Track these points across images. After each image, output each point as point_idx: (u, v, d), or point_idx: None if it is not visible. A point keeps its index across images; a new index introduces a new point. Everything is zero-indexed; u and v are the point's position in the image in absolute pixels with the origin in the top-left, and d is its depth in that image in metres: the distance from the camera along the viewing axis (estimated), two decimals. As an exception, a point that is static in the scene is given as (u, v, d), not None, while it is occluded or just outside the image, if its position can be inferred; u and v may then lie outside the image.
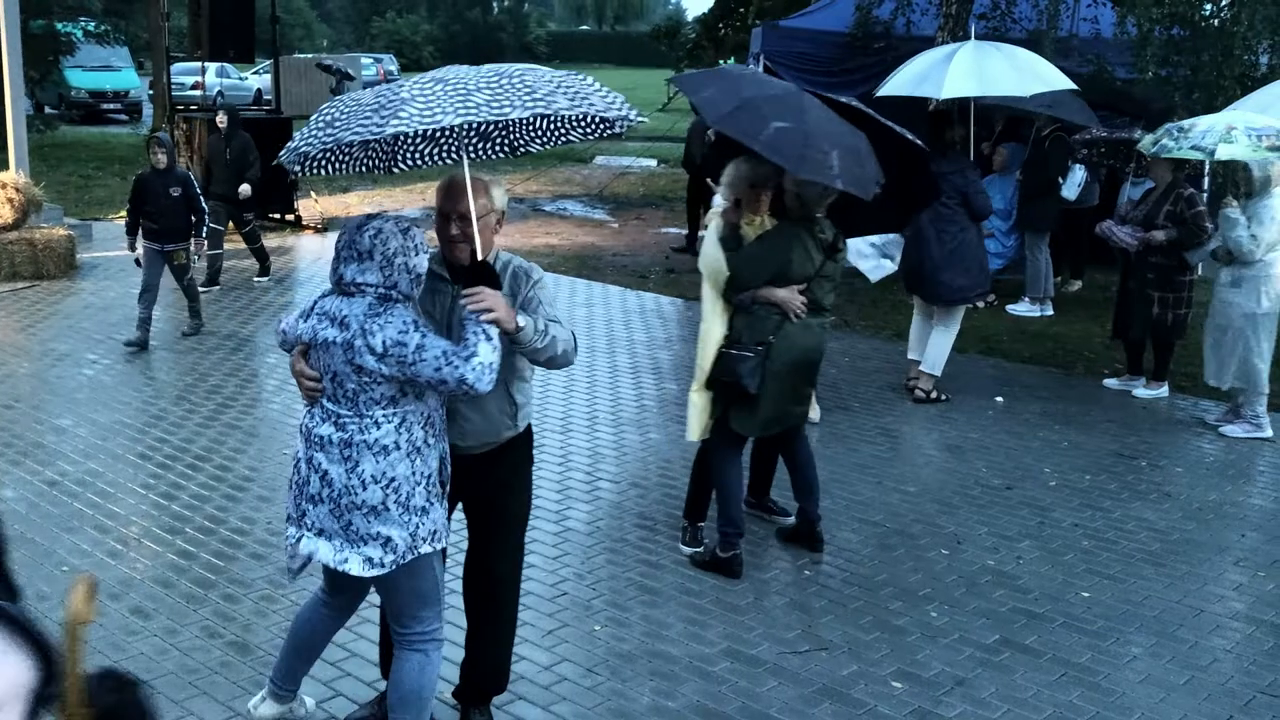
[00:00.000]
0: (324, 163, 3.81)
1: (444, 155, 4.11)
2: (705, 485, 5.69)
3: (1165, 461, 7.30)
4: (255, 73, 33.97)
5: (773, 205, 5.40)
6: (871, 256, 8.04)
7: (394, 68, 48.63)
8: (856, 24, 12.49)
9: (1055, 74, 9.34)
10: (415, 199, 17.84)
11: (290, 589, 5.09)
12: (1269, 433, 7.72)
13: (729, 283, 5.32)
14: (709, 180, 8.52)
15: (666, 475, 6.71)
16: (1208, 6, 11.20)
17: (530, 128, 4.08)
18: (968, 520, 6.20)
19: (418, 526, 3.54)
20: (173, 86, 16.87)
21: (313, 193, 15.33)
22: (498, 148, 4.15)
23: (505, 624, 4.10)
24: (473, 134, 4.04)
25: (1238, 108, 8.56)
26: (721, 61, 20.94)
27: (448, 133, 4.04)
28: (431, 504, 3.58)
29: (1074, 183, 10.63)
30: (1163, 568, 5.70)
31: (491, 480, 3.94)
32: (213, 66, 24.68)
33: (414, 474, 3.52)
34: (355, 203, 17.15)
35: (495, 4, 73.77)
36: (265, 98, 30.68)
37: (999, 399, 8.43)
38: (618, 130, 3.87)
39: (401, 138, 3.95)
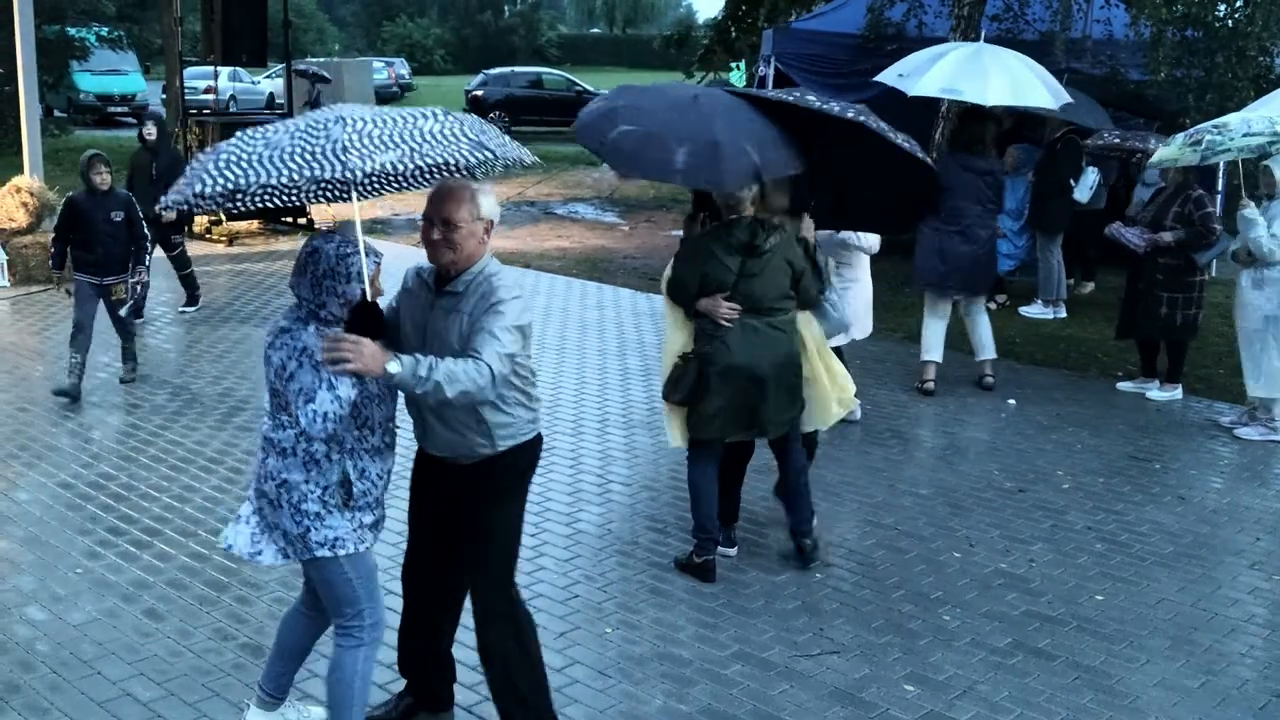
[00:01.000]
0: (224, 201, 3.39)
1: (336, 194, 3.90)
2: (724, 489, 5.61)
3: (1179, 464, 7.27)
4: (268, 77, 34.08)
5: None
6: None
7: (405, 71, 48.78)
8: (868, 26, 12.48)
9: (1058, 86, 9.32)
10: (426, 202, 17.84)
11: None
12: (1284, 435, 7.68)
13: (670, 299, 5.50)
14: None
15: (678, 478, 6.69)
16: (1221, 7, 11.16)
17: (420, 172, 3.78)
18: (980, 523, 6.18)
19: (309, 529, 3.61)
20: (185, 91, 16.93)
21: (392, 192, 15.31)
22: (383, 186, 3.97)
23: (509, 668, 3.92)
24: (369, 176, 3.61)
25: (1256, 108, 8.51)
26: (734, 65, 20.93)
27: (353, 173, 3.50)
28: (329, 512, 3.61)
29: (1086, 185, 10.59)
30: (1177, 571, 5.67)
31: (466, 497, 3.85)
32: (225, 71, 24.75)
33: (307, 481, 3.59)
34: (367, 205, 17.17)
35: (507, 7, 73.79)
36: (278, 102, 30.84)
37: (1011, 401, 8.40)
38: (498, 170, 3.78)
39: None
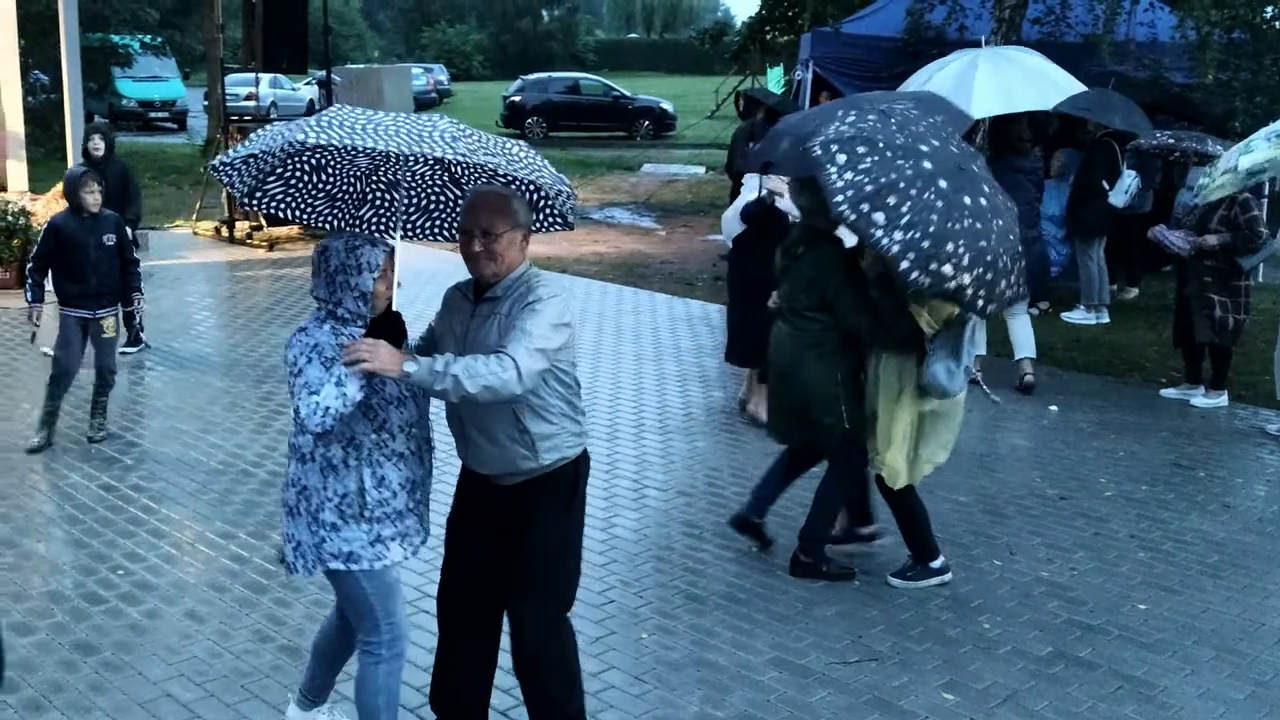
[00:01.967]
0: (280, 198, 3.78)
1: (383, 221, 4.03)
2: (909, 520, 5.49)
3: (1224, 472, 7.17)
4: (308, 83, 34.35)
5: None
6: None
7: (444, 77, 49.01)
8: (908, 29, 12.40)
9: (1066, 78, 9.26)
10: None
11: (340, 594, 5.12)
12: (1331, 443, 7.57)
13: None
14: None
15: (714, 483, 6.68)
16: (1269, 9, 11.03)
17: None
18: (1021, 530, 6.12)
19: (324, 540, 3.58)
20: (227, 98, 17.09)
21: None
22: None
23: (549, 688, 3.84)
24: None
25: None
26: (769, 66, 20.88)
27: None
28: (345, 523, 3.57)
29: (1122, 189, 10.45)
30: (1221, 580, 5.59)
31: (511, 519, 3.72)
32: (266, 77, 25.00)
33: (325, 488, 3.57)
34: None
35: (545, 13, 74.04)
36: (318, 108, 31.08)
37: (1053, 408, 8.31)
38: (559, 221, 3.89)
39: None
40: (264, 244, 13.81)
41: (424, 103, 41.61)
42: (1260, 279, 8.72)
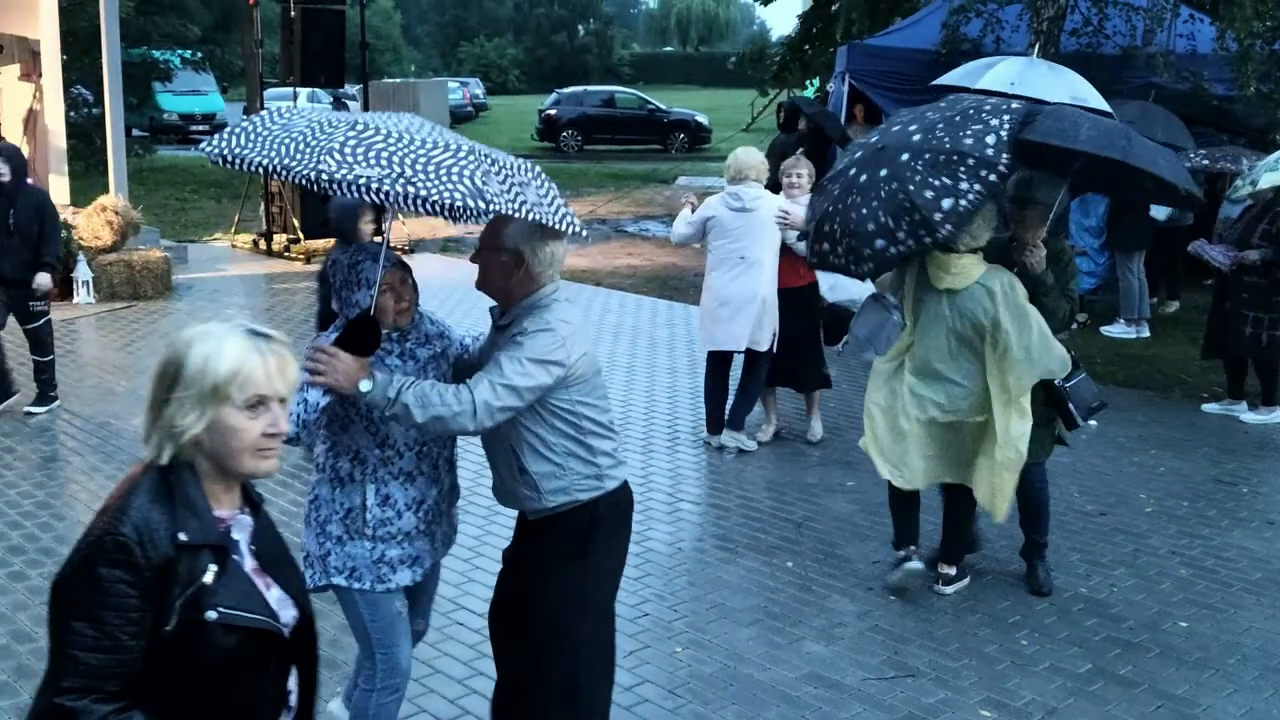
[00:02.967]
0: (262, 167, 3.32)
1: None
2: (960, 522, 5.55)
3: (1267, 488, 7.07)
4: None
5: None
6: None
7: (480, 91, 49.30)
8: (944, 41, 12.36)
9: (1095, 95, 9.18)
10: (500, 220, 18.00)
11: (375, 606, 5.12)
12: (1377, 459, 7.44)
13: None
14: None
15: (748, 497, 6.66)
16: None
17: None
18: (1060, 546, 6.05)
19: (329, 553, 3.55)
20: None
21: (400, 216, 15.54)
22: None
23: None
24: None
25: None
26: (809, 82, 20.84)
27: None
28: (350, 538, 3.53)
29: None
30: (1265, 598, 5.50)
31: (527, 558, 3.63)
32: (304, 91, 25.21)
33: (333, 500, 3.55)
34: (440, 225, 17.32)
35: (581, 27, 74.39)
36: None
37: (1092, 422, 8.21)
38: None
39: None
40: (301, 256, 13.91)
41: (460, 116, 41.92)
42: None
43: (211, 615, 2.16)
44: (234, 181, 20.63)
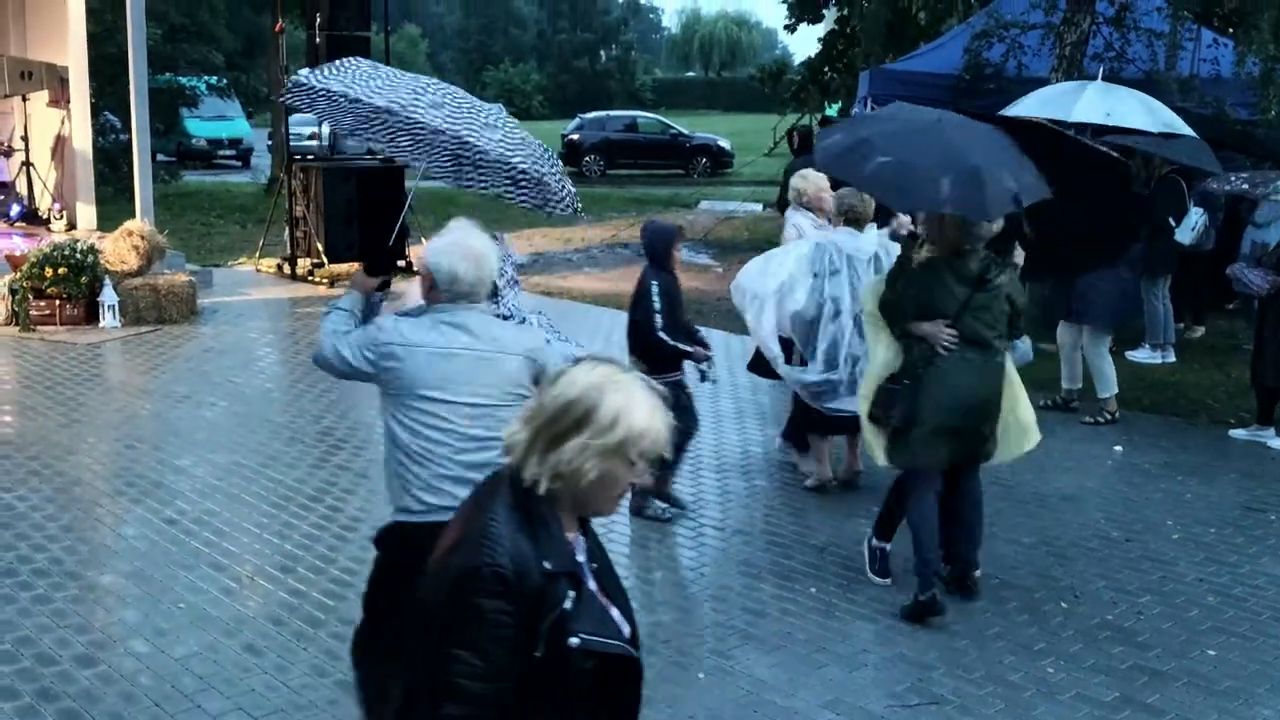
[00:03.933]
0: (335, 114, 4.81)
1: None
2: (895, 509, 5.70)
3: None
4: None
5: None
6: None
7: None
8: (966, 66, 12.38)
9: (1181, 123, 9.17)
10: (522, 245, 18.06)
11: (397, 630, 5.12)
12: None
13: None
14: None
15: (771, 522, 6.63)
16: (1335, 44, 10.86)
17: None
18: (1085, 573, 6.00)
19: None
20: (290, 137, 17.38)
21: (423, 238, 15.60)
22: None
23: None
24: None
25: None
26: (827, 105, 20.90)
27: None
28: None
29: (1189, 226, 10.31)
30: (1295, 626, 5.44)
31: None
32: (329, 117, 25.34)
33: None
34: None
35: (603, 53, 74.75)
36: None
37: (1117, 448, 8.17)
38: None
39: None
40: (325, 281, 13.97)
41: (483, 141, 41.99)
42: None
43: (574, 641, 2.20)
44: (259, 206, 20.78)
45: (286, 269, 14.52)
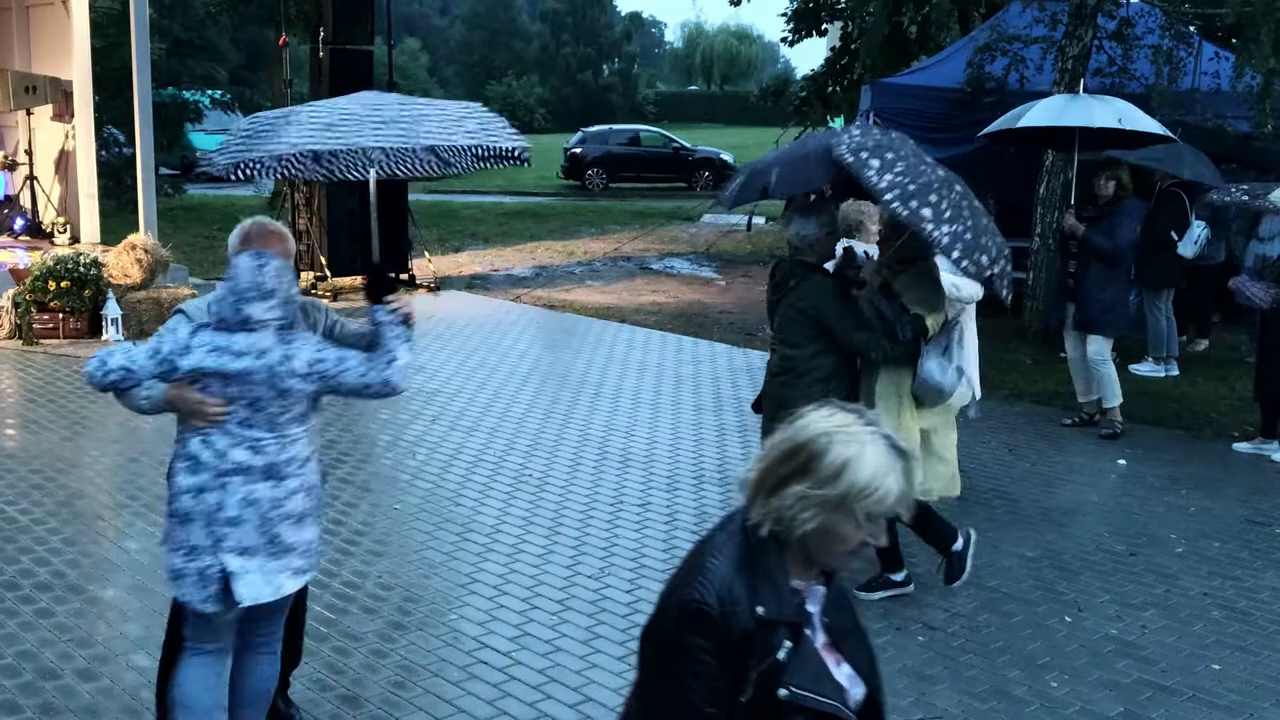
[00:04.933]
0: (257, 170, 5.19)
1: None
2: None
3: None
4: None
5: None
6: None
7: (506, 130, 49.58)
8: (968, 80, 12.40)
9: (1158, 127, 9.16)
10: (525, 258, 18.09)
11: (400, 643, 5.12)
12: None
13: None
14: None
15: (775, 535, 6.61)
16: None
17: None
18: (1089, 587, 5.98)
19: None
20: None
21: (426, 252, 15.65)
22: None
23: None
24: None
25: None
26: (830, 119, 20.94)
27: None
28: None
29: (1191, 239, 10.31)
30: (1300, 640, 5.42)
31: None
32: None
33: (319, 482, 3.90)
34: (466, 262, 17.45)
35: (605, 66, 74.94)
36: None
37: (1121, 461, 8.16)
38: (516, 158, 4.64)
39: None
40: (328, 294, 13.99)
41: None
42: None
43: (784, 693, 2.13)
44: (262, 220, 20.80)
45: (289, 282, 14.51)
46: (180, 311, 3.95)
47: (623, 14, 79.85)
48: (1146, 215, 10.82)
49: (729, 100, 71.28)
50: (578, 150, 33.30)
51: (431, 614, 5.46)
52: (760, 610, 2.13)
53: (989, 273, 5.15)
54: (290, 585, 3.77)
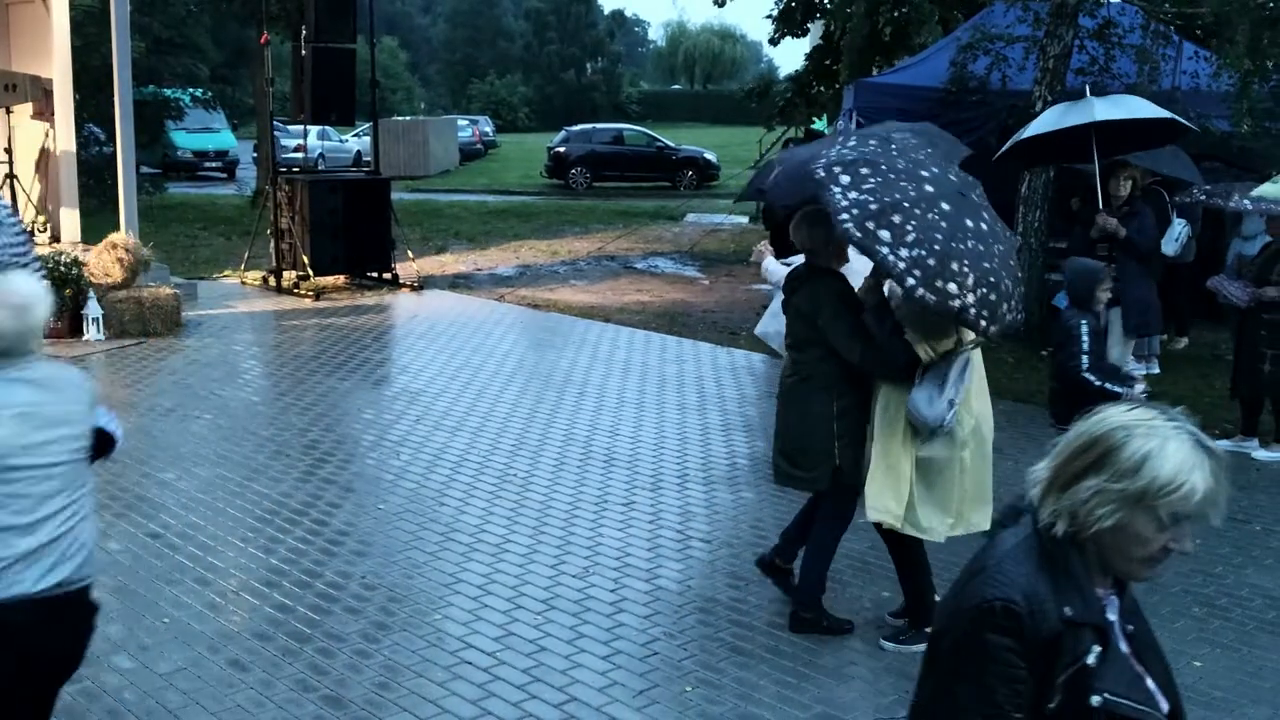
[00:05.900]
0: None
1: None
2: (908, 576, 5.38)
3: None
4: (355, 135, 34.87)
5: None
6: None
7: (490, 129, 49.62)
8: (951, 79, 12.43)
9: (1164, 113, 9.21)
10: (509, 257, 18.07)
11: (384, 643, 5.11)
12: (1391, 496, 7.39)
13: None
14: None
15: (759, 534, 6.63)
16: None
17: None
18: (1071, 584, 6.01)
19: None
20: (276, 149, 17.37)
21: (409, 251, 15.62)
22: None
23: None
24: None
25: None
26: (814, 119, 20.96)
27: None
28: None
29: (1173, 237, 10.36)
30: (1279, 637, 5.46)
31: None
32: (314, 129, 25.38)
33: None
34: (449, 261, 17.42)
35: (589, 65, 74.93)
36: (365, 159, 31.55)
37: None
38: None
39: None
40: (310, 294, 13.95)
41: (470, 153, 42.16)
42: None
43: (1096, 700, 2.05)
44: (244, 219, 20.75)
45: (271, 282, 14.49)
46: None
47: (606, 13, 79.89)
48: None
49: (712, 99, 71.38)
50: (562, 149, 33.30)
51: (415, 614, 5.45)
52: (1068, 611, 2.05)
53: (955, 302, 4.61)
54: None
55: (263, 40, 16.31)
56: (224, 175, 32.99)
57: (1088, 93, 9.70)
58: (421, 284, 14.83)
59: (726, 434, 8.61)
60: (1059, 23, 11.40)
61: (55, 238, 13.31)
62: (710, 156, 33.93)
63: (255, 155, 27.42)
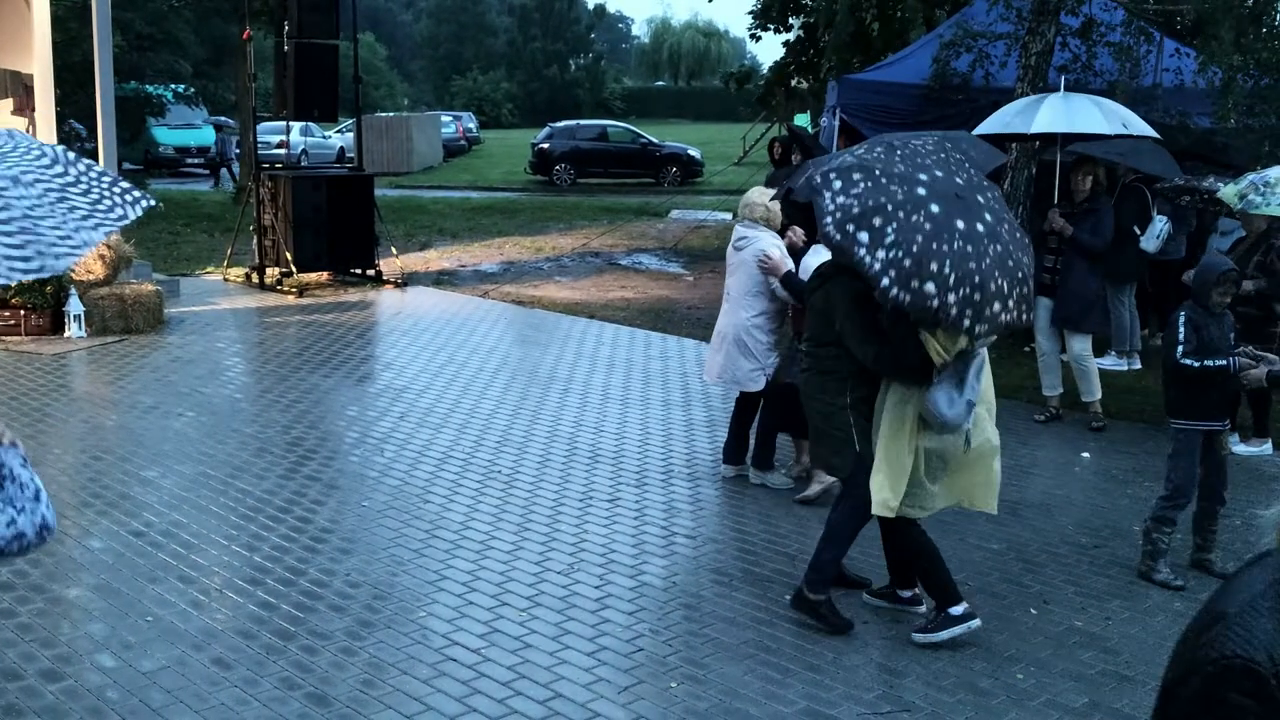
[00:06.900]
0: None
1: None
2: (918, 563, 5.50)
3: (1262, 520, 7.06)
4: (338, 131, 34.78)
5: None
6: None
7: (473, 125, 49.54)
8: (934, 76, 12.48)
9: (1140, 122, 9.29)
10: (493, 254, 18.04)
11: (369, 641, 5.10)
12: (1370, 490, 7.45)
13: None
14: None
15: (742, 530, 6.64)
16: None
17: None
18: (1054, 579, 6.04)
19: None
20: (258, 145, 17.31)
21: (393, 248, 15.58)
22: None
23: None
24: None
25: None
26: (796, 114, 21.00)
27: None
28: None
29: (1153, 234, 10.40)
30: (1260, 630, 5.48)
31: None
32: (297, 125, 25.32)
33: None
34: (433, 257, 17.39)
35: (572, 62, 74.86)
36: (348, 155, 31.48)
37: (1085, 455, 8.24)
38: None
39: None
40: (293, 290, 13.91)
41: (453, 149, 42.08)
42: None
43: None
44: (226, 215, 20.67)
45: (254, 278, 14.45)
46: None
47: (590, 8, 79.81)
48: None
49: (696, 96, 71.45)
50: (545, 146, 33.25)
51: (400, 611, 5.44)
52: None
53: (933, 302, 4.68)
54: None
55: (245, 36, 16.23)
56: (205, 172, 32.88)
57: (1062, 86, 9.79)
58: (405, 281, 14.80)
59: (711, 430, 8.61)
60: (1041, 20, 11.44)
61: (36, 234, 13.22)
62: (694, 153, 33.93)
63: (238, 151, 27.32)
